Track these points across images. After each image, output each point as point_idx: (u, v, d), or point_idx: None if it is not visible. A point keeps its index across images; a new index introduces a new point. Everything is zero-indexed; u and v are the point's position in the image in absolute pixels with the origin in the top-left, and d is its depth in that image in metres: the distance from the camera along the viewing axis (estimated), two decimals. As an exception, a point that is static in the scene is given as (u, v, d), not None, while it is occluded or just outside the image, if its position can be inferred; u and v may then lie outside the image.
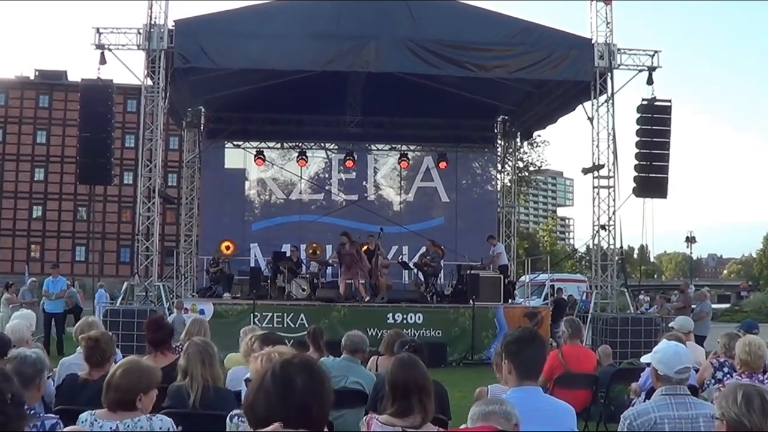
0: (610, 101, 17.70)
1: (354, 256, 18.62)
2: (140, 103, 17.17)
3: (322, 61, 16.81)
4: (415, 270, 21.19)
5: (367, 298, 18.48)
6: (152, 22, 16.62)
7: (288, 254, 20.88)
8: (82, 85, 17.60)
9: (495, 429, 3.30)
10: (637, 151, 17.48)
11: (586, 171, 18.61)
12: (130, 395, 3.96)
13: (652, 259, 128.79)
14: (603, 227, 17.95)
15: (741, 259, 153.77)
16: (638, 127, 17.49)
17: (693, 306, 18.45)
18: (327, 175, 24.86)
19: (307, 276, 20.12)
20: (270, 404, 2.18)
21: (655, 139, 17.43)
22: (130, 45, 16.74)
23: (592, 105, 18.01)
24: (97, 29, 16.66)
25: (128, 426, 3.93)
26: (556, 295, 23.97)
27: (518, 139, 25.92)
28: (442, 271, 20.95)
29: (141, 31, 16.65)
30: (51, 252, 64.57)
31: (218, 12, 16.95)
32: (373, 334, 15.61)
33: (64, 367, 6.24)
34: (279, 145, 24.51)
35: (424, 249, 20.97)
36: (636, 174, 17.52)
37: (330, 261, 19.39)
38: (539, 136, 40.55)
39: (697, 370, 7.00)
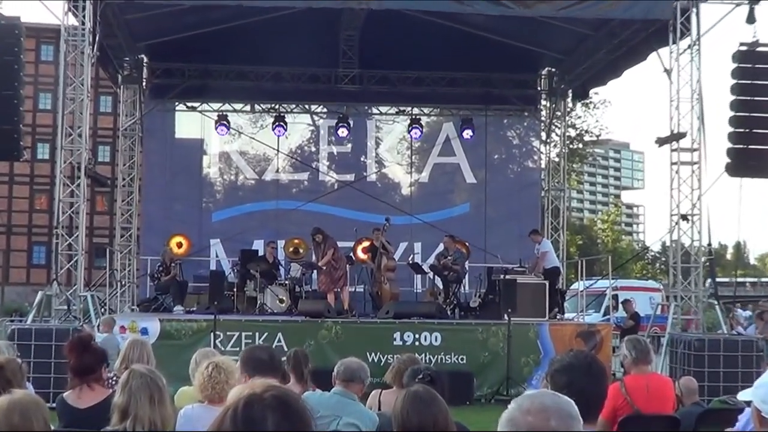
0: (695, 47, 17.63)
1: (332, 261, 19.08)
2: (59, 51, 17.09)
3: (306, -7, 16.79)
4: (431, 274, 21.20)
5: (347, 307, 18.87)
6: (75, -61, 16.57)
7: (261, 253, 20.85)
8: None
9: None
10: (732, 114, 17.39)
11: (661, 142, 18.56)
12: None
13: (752, 261, 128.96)
14: (684, 217, 17.91)
15: None
16: (734, 81, 17.40)
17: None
18: (313, 148, 24.88)
19: (287, 283, 20.14)
20: None
21: (756, 98, 17.36)
22: (46, -30, 16.69)
23: (671, 53, 17.95)
24: (-1, -51, 16.62)
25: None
26: (622, 307, 23.94)
27: (569, 99, 25.82)
28: (466, 276, 20.96)
29: (60, -49, 16.61)
30: (-60, 251, 64.66)
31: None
32: (375, 360, 15.75)
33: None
34: (249, 108, 24.54)
35: (442, 246, 20.96)
36: (730, 146, 17.44)
37: (319, 263, 19.46)
38: (597, 94, 40.46)
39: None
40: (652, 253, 76.57)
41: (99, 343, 13.34)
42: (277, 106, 24.10)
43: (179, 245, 22.25)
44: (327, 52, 21.69)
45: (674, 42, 17.77)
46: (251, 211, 24.12)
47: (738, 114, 17.37)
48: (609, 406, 7.26)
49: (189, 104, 24.13)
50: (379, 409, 7.06)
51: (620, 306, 24.42)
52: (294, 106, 24.47)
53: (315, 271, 20.36)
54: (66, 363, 6.58)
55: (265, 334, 16.79)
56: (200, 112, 24.07)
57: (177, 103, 24.07)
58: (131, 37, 20.71)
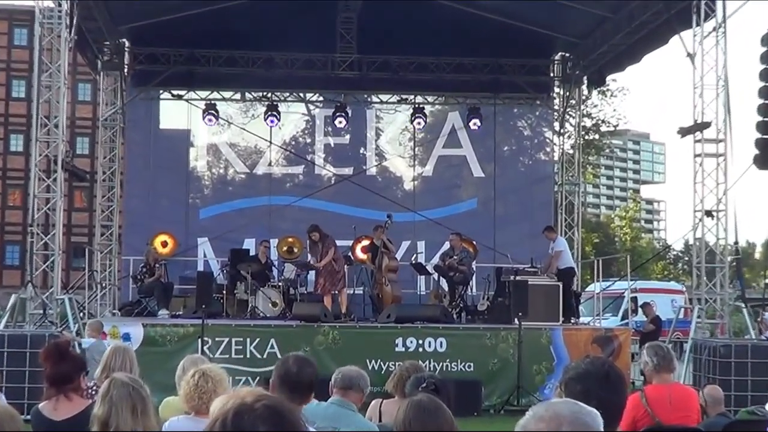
0: (721, 29, 17.62)
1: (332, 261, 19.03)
2: (34, 34, 17.08)
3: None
4: (436, 275, 21.21)
5: (345, 311, 18.84)
6: None
7: (253, 253, 20.85)
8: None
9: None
10: (761, 102, 17.37)
11: (684, 132, 18.55)
12: None
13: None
14: (709, 214, 17.90)
15: None
16: (763, 66, 17.38)
17: None
18: (308, 140, 24.89)
19: (280, 285, 20.15)
20: None
21: (786, 85, 17.35)
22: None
23: (694, 36, 17.94)
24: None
25: None
26: (641, 310, 23.94)
27: (585, 87, 25.82)
28: (474, 277, 20.96)
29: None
30: None
31: None
32: (376, 367, 15.80)
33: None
34: (239, 96, 24.54)
35: (447, 245, 20.95)
36: (758, 136, 17.42)
37: (314, 264, 19.47)
38: (614, 81, 40.46)
39: None
40: (674, 253, 76.62)
41: (86, 349, 13.42)
42: (269, 95, 24.09)
43: (164, 244, 22.25)
44: (323, 35, 21.61)
45: (698, 24, 17.76)
46: (242, 207, 24.11)
47: (767, 102, 17.35)
48: (628, 418, 7.26)
49: (174, 92, 24.11)
50: (380, 420, 7.06)
51: (640, 309, 24.44)
52: (288, 94, 24.46)
53: (310, 272, 20.33)
54: (41, 371, 6.55)
55: (257, 340, 16.79)
56: (186, 100, 24.05)
57: (161, 91, 24.08)
58: (111, 20, 20.70)
